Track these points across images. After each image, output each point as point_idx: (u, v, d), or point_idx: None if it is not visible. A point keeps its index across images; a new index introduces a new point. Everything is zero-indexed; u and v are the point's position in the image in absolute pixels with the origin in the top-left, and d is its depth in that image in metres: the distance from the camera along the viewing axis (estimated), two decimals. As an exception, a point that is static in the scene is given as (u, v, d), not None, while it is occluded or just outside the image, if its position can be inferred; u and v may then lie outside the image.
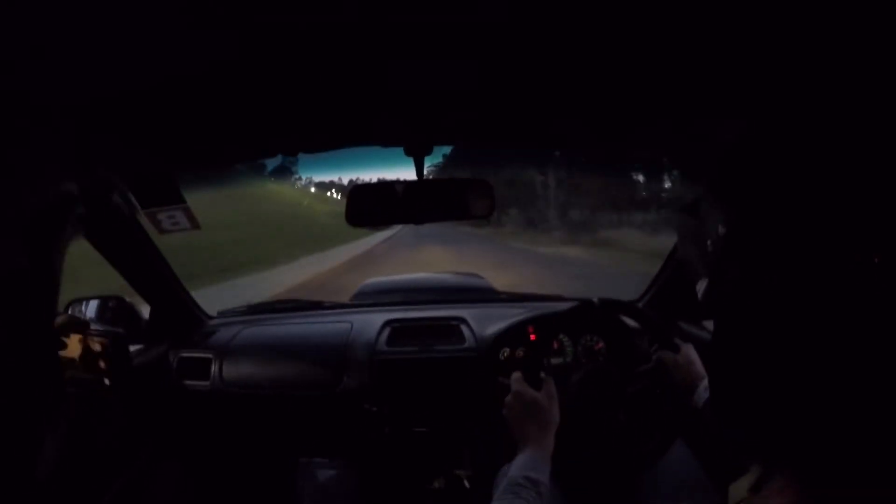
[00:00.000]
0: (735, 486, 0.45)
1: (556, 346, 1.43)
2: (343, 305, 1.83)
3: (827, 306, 0.35)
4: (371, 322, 1.53)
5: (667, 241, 1.73)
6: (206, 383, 1.44)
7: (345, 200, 1.02)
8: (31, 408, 0.45)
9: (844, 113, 0.39)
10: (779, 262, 0.36)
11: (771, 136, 0.40)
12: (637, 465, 1.07)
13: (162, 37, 0.42)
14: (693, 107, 0.62)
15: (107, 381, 0.89)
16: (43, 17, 0.34)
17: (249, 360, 1.46)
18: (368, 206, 1.02)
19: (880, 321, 0.33)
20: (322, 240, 19.79)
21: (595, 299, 1.14)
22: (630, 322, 1.40)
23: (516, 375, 0.97)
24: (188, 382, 1.45)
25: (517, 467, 0.83)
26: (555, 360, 1.42)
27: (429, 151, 0.93)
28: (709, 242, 0.42)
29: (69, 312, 1.31)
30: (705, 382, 0.95)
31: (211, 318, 1.67)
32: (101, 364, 0.88)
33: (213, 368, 1.44)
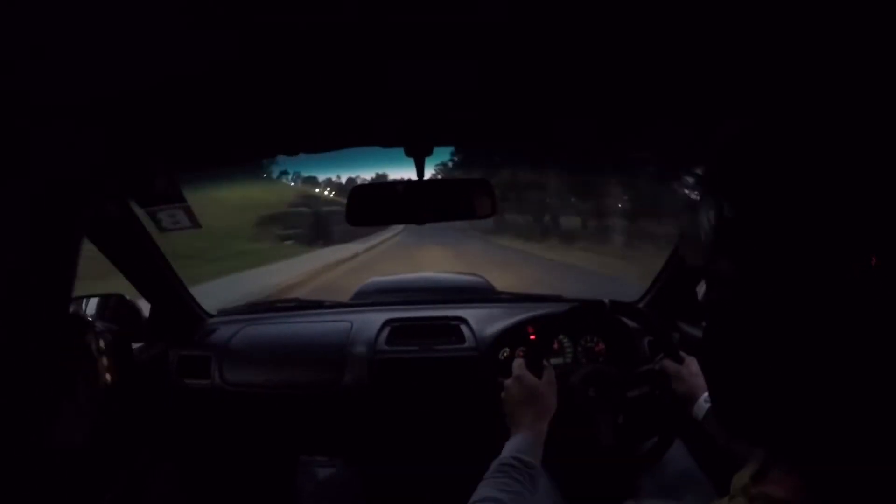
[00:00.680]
0: (738, 475, 0.46)
1: (556, 346, 1.44)
2: (343, 304, 1.83)
3: (824, 304, 0.35)
4: (371, 321, 1.53)
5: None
6: (207, 382, 1.44)
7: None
8: (39, 402, 0.45)
9: (844, 114, 0.39)
10: (775, 262, 0.37)
11: (768, 136, 0.40)
12: (633, 467, 1.07)
13: (162, 37, 0.42)
14: (694, 107, 0.62)
15: (108, 378, 0.90)
16: (43, 17, 0.34)
17: (249, 359, 1.46)
18: (369, 206, 1.02)
19: (876, 320, 0.33)
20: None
21: (606, 300, 1.14)
22: (630, 323, 1.40)
23: (518, 361, 0.97)
24: (188, 381, 1.45)
25: (510, 449, 0.83)
26: (555, 361, 1.42)
27: (429, 152, 0.93)
28: (707, 242, 0.42)
29: (70, 310, 1.31)
30: (706, 394, 0.95)
31: (211, 316, 1.67)
32: (104, 362, 0.89)
33: (214, 367, 1.44)
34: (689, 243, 0.45)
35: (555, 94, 0.64)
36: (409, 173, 0.99)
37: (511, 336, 1.42)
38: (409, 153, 0.92)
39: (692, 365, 1.04)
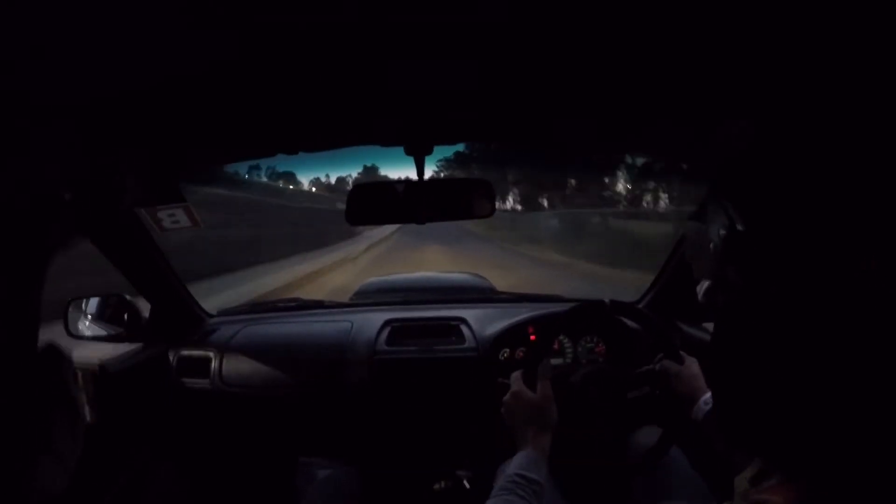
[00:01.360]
0: (739, 478, 0.46)
1: (556, 346, 1.43)
2: (343, 304, 1.83)
3: (829, 309, 0.35)
4: (371, 321, 1.53)
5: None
6: (206, 382, 1.44)
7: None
8: (12, 460, 0.42)
9: (849, 116, 0.39)
10: (781, 267, 0.36)
11: (775, 140, 0.40)
12: (632, 469, 1.07)
13: (162, 37, 0.42)
14: (695, 107, 0.62)
15: (89, 416, 0.87)
16: (43, 17, 0.34)
17: (249, 359, 1.46)
18: (369, 206, 1.02)
19: (880, 327, 0.33)
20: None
21: (606, 300, 1.14)
22: (630, 323, 1.40)
23: (515, 375, 0.97)
24: (188, 381, 1.45)
25: (515, 466, 0.83)
26: (555, 361, 1.42)
27: (429, 151, 0.93)
28: (713, 245, 0.42)
29: (69, 311, 1.32)
30: (706, 396, 0.95)
31: (211, 316, 1.67)
32: (84, 398, 0.87)
33: (213, 367, 1.44)
34: (695, 250, 0.45)
35: (555, 93, 0.64)
36: (405, 172, 0.98)
37: (511, 336, 1.42)
38: (408, 152, 0.92)
39: (692, 366, 1.03)
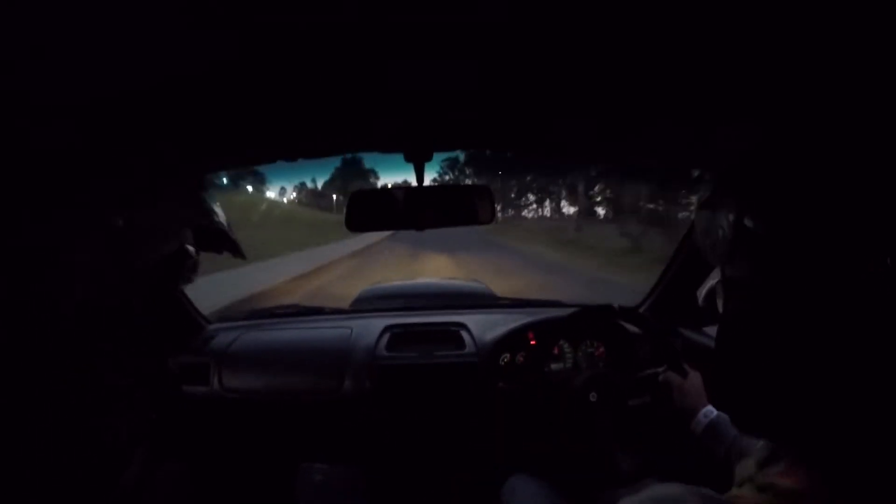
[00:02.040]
0: (742, 464, 0.45)
1: (556, 351, 1.43)
2: (343, 311, 1.83)
3: (839, 308, 0.35)
4: (371, 327, 1.53)
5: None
6: (206, 389, 1.43)
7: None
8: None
9: (855, 116, 0.39)
10: (791, 265, 0.36)
11: (784, 141, 0.40)
12: (629, 475, 1.06)
13: (161, 37, 0.42)
14: (696, 109, 0.62)
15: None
16: (43, 16, 0.34)
17: (249, 366, 1.46)
18: (369, 212, 1.02)
19: (889, 323, 0.33)
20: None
21: (615, 304, 1.14)
22: (631, 328, 1.40)
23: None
24: (187, 388, 1.44)
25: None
26: (555, 366, 1.41)
27: (429, 157, 0.93)
28: (722, 244, 0.42)
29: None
30: (706, 409, 0.96)
31: (210, 323, 1.67)
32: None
33: (213, 374, 1.44)
34: (710, 248, 0.45)
35: (557, 97, 0.64)
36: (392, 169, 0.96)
37: (511, 341, 1.41)
38: (408, 158, 0.92)
39: (695, 379, 1.04)
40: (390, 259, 13.61)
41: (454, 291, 2.28)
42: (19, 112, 0.41)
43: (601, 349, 1.44)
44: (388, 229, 1.05)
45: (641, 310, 1.59)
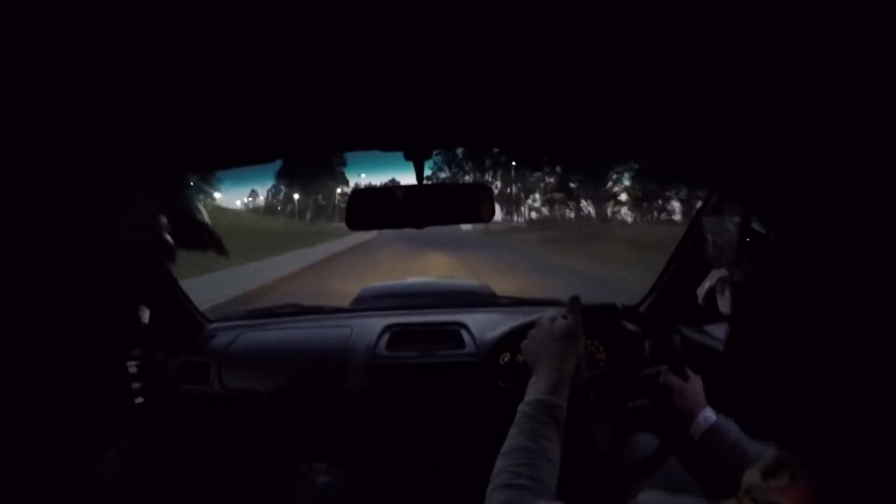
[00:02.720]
0: (748, 473, 0.45)
1: None
2: (343, 310, 1.83)
3: (851, 314, 0.34)
4: (371, 326, 1.53)
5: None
6: (205, 388, 1.43)
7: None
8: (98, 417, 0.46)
9: (862, 117, 0.39)
10: (802, 271, 0.36)
11: (791, 142, 0.40)
12: (626, 477, 1.07)
13: (161, 37, 0.42)
14: (698, 108, 0.62)
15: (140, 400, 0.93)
16: (43, 16, 0.34)
17: (249, 365, 1.46)
18: (369, 210, 1.02)
19: None
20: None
21: (618, 304, 1.14)
22: (631, 327, 1.40)
23: (548, 313, 0.94)
24: (187, 387, 1.45)
25: (536, 391, 0.80)
26: None
27: (428, 155, 0.93)
28: (729, 247, 0.42)
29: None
30: (705, 413, 0.96)
31: (210, 322, 1.67)
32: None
33: (213, 373, 1.44)
34: (717, 251, 0.45)
35: (555, 95, 0.64)
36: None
37: (511, 340, 1.41)
38: (408, 157, 0.92)
39: (696, 383, 1.03)
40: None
41: (454, 291, 2.28)
42: (19, 112, 0.41)
43: (601, 348, 1.44)
44: (387, 227, 1.05)
45: (641, 308, 1.59)
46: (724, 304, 0.46)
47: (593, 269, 11.56)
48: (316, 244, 19.63)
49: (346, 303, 2.02)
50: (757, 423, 0.42)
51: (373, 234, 18.97)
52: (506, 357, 1.40)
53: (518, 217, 44.73)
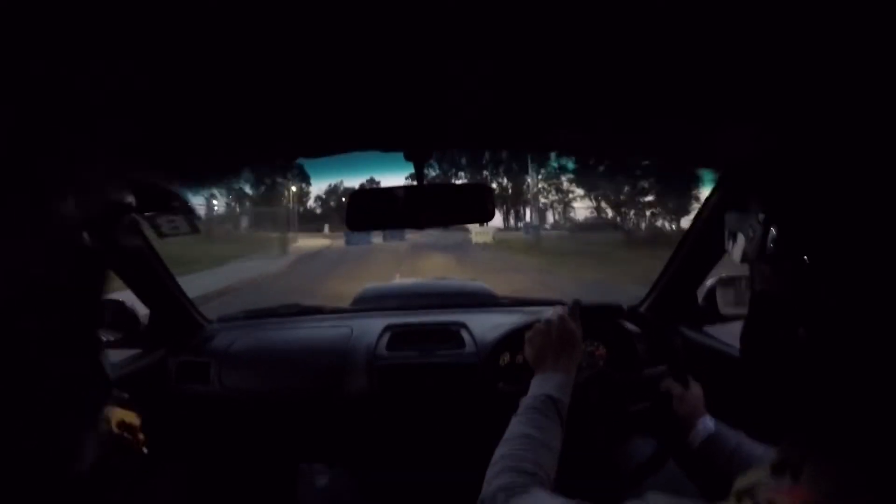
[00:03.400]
0: (741, 478, 0.45)
1: None
2: (343, 310, 1.83)
3: (869, 322, 0.34)
4: (371, 326, 1.53)
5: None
6: (206, 388, 1.43)
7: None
8: (73, 410, 0.46)
9: (869, 117, 0.38)
10: (821, 279, 0.36)
11: (805, 146, 0.40)
12: (626, 478, 1.07)
13: (161, 37, 0.42)
14: (700, 107, 0.62)
15: (144, 450, 0.98)
16: (42, 16, 0.34)
17: (249, 365, 1.46)
18: (369, 211, 1.02)
19: None
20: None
21: (624, 305, 1.14)
22: (631, 327, 1.40)
23: (555, 308, 0.96)
24: (187, 387, 1.44)
25: (543, 387, 0.82)
26: None
27: (429, 156, 0.93)
28: (750, 252, 0.42)
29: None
30: (704, 421, 0.96)
31: (210, 322, 1.67)
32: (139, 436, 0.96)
33: (213, 373, 1.44)
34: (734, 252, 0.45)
35: (557, 94, 0.64)
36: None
37: (511, 341, 1.41)
38: (408, 157, 0.91)
39: (696, 390, 1.03)
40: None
41: (454, 291, 2.28)
42: (19, 112, 0.41)
43: (601, 349, 1.44)
44: (387, 228, 1.05)
45: (642, 309, 1.59)
46: (724, 305, 0.46)
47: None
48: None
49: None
50: (767, 423, 0.42)
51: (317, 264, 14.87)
52: (506, 357, 1.40)
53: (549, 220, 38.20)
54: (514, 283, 9.21)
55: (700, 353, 1.30)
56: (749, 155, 0.57)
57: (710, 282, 1.34)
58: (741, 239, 0.44)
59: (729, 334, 1.27)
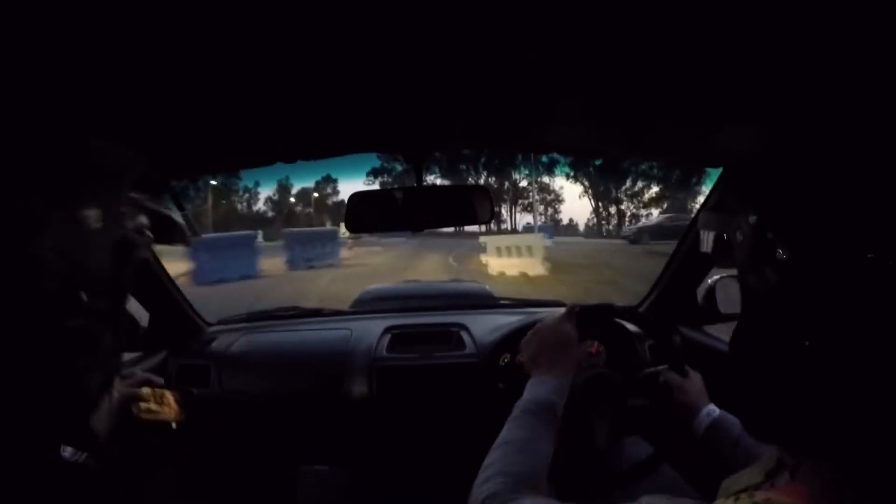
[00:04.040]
0: (731, 479, 0.45)
1: None
2: (343, 312, 1.82)
3: (862, 318, 0.34)
4: (371, 328, 1.53)
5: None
6: (206, 391, 1.43)
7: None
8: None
9: (869, 116, 0.39)
10: (814, 275, 0.36)
11: (801, 143, 0.40)
12: (623, 478, 1.06)
13: (160, 37, 0.42)
14: (701, 107, 0.62)
15: (174, 426, 1.04)
16: (42, 16, 0.34)
17: (249, 368, 1.45)
18: (368, 214, 1.02)
19: None
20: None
21: (615, 303, 1.13)
22: (630, 327, 1.40)
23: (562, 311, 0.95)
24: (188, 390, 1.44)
25: (540, 391, 0.81)
26: None
27: (429, 157, 0.93)
28: (740, 250, 0.42)
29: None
30: (707, 409, 0.95)
31: (210, 325, 1.66)
32: (172, 413, 1.03)
33: (213, 376, 1.43)
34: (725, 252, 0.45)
35: (557, 94, 0.64)
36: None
37: (511, 342, 1.40)
38: (408, 159, 0.92)
39: (696, 379, 1.03)
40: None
41: (454, 292, 2.27)
42: (19, 112, 0.41)
43: (601, 349, 1.43)
44: (386, 231, 1.05)
45: (641, 308, 1.59)
46: (724, 304, 0.46)
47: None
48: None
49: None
50: (761, 424, 0.42)
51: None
52: (506, 358, 1.40)
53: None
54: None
55: (700, 352, 1.30)
56: (749, 155, 0.57)
57: (709, 281, 1.34)
58: (727, 243, 0.43)
59: (729, 333, 1.27)
